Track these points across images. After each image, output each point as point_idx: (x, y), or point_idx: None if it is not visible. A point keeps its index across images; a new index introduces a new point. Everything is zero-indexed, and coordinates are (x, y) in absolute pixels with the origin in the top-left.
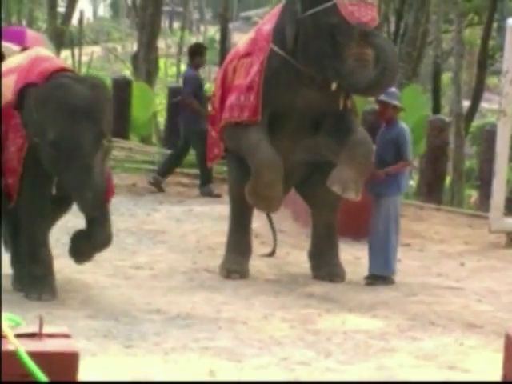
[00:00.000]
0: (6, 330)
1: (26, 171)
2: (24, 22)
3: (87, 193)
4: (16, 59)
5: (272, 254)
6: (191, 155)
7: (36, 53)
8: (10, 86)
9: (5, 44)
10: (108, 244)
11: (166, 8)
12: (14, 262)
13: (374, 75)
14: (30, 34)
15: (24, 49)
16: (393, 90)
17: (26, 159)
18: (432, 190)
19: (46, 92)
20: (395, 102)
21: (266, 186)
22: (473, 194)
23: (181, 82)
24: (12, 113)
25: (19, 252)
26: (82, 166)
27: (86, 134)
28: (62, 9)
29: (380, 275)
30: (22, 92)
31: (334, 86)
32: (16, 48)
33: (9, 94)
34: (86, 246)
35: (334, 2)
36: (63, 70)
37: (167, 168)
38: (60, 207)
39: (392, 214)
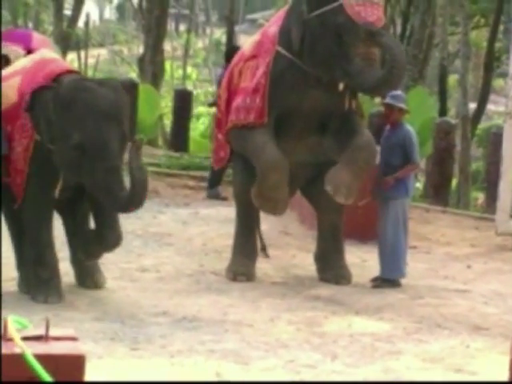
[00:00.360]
0: (12, 332)
1: (32, 172)
2: (30, 25)
3: (120, 193)
4: (21, 62)
5: (265, 251)
6: (198, 158)
7: (41, 55)
8: (14, 87)
9: (11, 47)
10: (118, 244)
11: (172, 10)
12: (20, 265)
13: (382, 74)
14: (36, 36)
15: (30, 51)
16: (398, 92)
17: (32, 159)
18: (438, 193)
19: (69, 95)
20: (401, 105)
21: (272, 188)
22: (479, 197)
23: (187, 85)
24: (17, 113)
25: (24, 255)
26: (110, 167)
27: (113, 136)
28: (68, 11)
29: (390, 279)
30: (35, 95)
31: (341, 86)
32: (22, 51)
33: (13, 96)
34: (95, 246)
35: (340, 3)
36: (69, 71)
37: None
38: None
39: (401, 217)
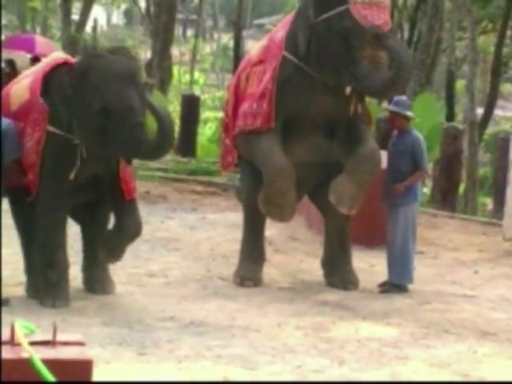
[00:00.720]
0: (20, 337)
1: (44, 165)
2: (38, 30)
3: (148, 141)
4: (35, 66)
5: None
6: (205, 163)
7: (52, 57)
8: (25, 85)
9: (17, 52)
10: (139, 234)
11: (179, 16)
12: (28, 270)
13: (389, 76)
14: (40, 40)
15: (36, 57)
16: (402, 98)
17: (44, 152)
18: (446, 198)
19: (82, 66)
20: (405, 112)
21: (279, 194)
22: (488, 203)
23: (194, 90)
24: (29, 109)
25: (33, 260)
26: (136, 123)
27: (133, 95)
28: (76, 16)
29: (398, 284)
30: (48, 77)
31: (348, 89)
32: (27, 56)
33: (25, 94)
34: (117, 239)
35: (347, 7)
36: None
37: None
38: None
39: (410, 222)
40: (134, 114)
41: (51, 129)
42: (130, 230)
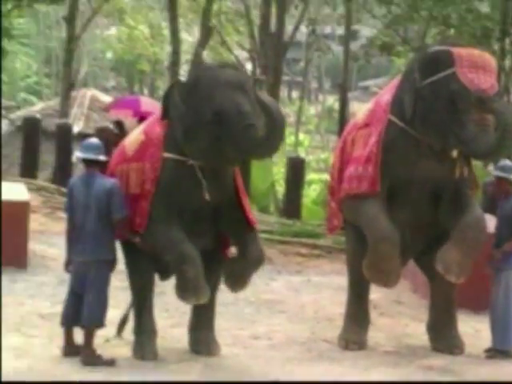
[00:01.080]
0: None
1: (158, 192)
2: (146, 91)
3: (261, 140)
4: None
5: None
6: (310, 225)
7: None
8: (139, 131)
9: (123, 113)
10: (263, 261)
11: (285, 77)
12: (137, 330)
13: (495, 139)
14: (144, 100)
15: (142, 117)
16: (508, 163)
17: (161, 179)
18: None
19: (192, 79)
20: (510, 177)
21: (383, 260)
22: None
23: (299, 151)
24: (146, 147)
25: (142, 320)
26: (248, 124)
27: (244, 101)
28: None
29: (502, 349)
30: (164, 101)
31: (454, 153)
32: (134, 119)
33: (140, 137)
34: (241, 266)
35: (453, 70)
36: None
37: None
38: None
39: (511, 287)
40: (246, 117)
41: (166, 155)
42: (253, 257)
